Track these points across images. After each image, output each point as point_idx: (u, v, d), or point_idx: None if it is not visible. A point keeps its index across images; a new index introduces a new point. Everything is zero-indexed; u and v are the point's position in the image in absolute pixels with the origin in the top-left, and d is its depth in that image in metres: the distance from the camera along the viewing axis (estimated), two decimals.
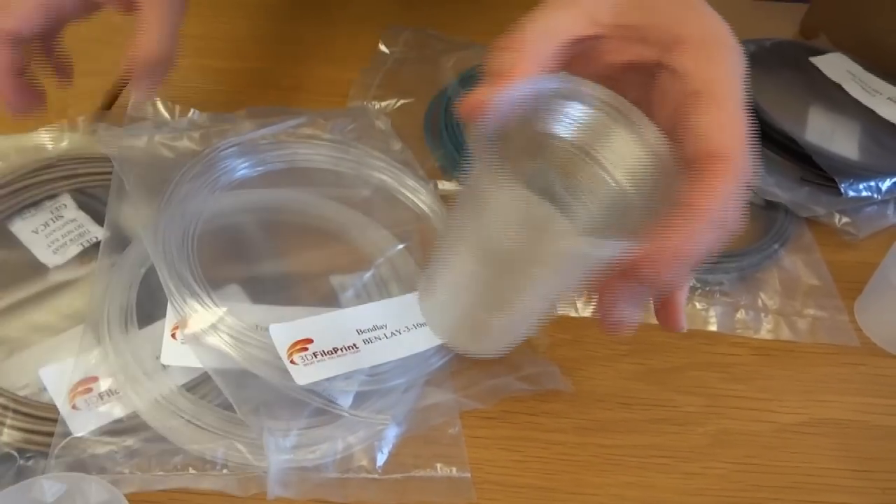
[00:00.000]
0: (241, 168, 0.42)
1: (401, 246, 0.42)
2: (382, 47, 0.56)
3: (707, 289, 0.41)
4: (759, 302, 0.41)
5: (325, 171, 0.44)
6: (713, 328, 0.40)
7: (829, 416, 0.37)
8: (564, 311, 0.40)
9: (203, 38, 0.57)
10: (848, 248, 0.45)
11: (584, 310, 0.40)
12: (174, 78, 0.52)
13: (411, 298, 0.38)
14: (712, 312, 0.40)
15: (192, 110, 0.46)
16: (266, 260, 0.40)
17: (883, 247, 0.41)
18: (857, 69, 0.54)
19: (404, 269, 0.41)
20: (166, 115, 0.47)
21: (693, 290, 0.41)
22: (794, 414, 0.37)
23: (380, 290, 0.40)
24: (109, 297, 0.35)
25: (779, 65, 0.54)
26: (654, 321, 0.40)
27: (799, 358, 0.40)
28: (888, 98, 0.52)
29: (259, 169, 0.43)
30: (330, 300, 0.39)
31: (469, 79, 0.53)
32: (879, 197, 0.45)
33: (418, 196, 0.44)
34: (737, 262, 0.42)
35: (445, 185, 0.47)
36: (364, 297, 0.39)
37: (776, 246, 0.43)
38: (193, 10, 0.61)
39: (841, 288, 0.43)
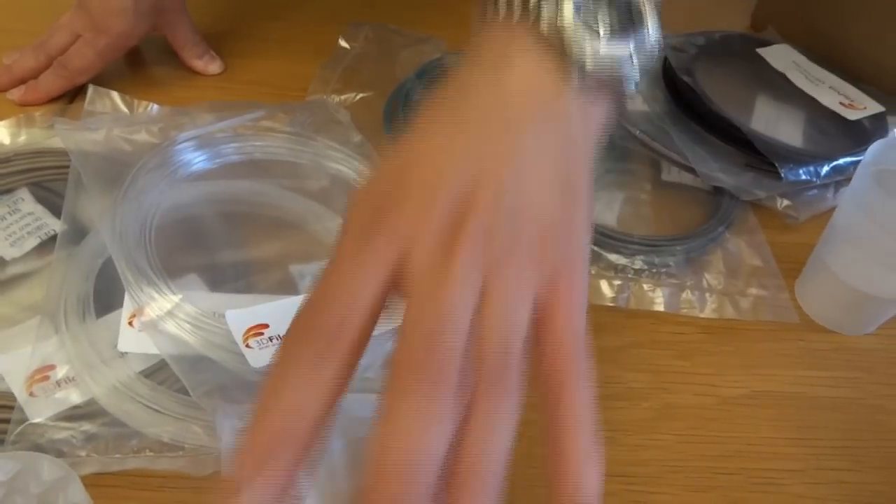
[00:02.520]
0: (199, 160, 0.43)
1: None
2: (343, 42, 0.57)
3: (654, 271, 0.43)
4: (704, 282, 0.43)
5: (283, 162, 0.45)
6: (660, 308, 0.42)
7: (768, 389, 0.39)
8: None
9: None
10: (790, 230, 0.47)
11: None
12: (133, 73, 0.53)
13: None
14: (659, 293, 0.42)
15: (150, 105, 0.47)
16: (224, 250, 0.40)
17: (822, 228, 0.42)
18: (802, 59, 0.56)
19: None
20: (125, 109, 0.47)
21: (640, 272, 0.43)
22: (735, 388, 0.39)
23: None
24: (66, 288, 0.36)
25: (727, 56, 0.56)
26: (604, 303, 0.42)
27: (741, 335, 0.41)
28: (830, 87, 0.54)
29: (217, 161, 0.43)
30: (289, 289, 0.40)
31: (427, 72, 0.54)
32: (818, 181, 0.47)
33: None
34: (683, 245, 0.43)
35: None
36: None
37: (721, 228, 0.45)
38: None
39: (783, 268, 0.45)
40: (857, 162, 0.47)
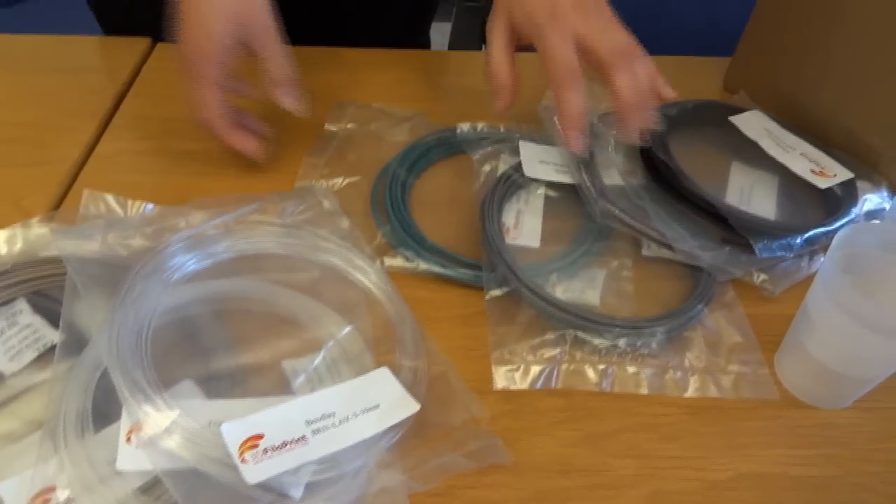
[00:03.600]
0: (192, 262, 0.44)
1: (349, 328, 0.44)
2: (329, 126, 0.58)
3: (636, 353, 0.44)
4: (686, 362, 0.44)
5: (273, 256, 0.46)
6: (644, 391, 0.43)
7: (752, 471, 0.40)
8: (505, 384, 0.42)
9: (156, 118, 0.59)
10: (768, 302, 0.48)
11: (523, 382, 0.42)
12: (124, 165, 0.55)
13: (359, 382, 0.40)
14: (643, 375, 0.43)
15: (143, 205, 0.48)
16: (218, 352, 0.42)
17: (799, 298, 0.44)
18: (774, 126, 0.58)
19: (353, 350, 0.43)
20: (119, 210, 0.48)
21: (623, 354, 0.44)
22: (720, 470, 0.40)
23: (331, 372, 0.42)
24: (66, 403, 0.37)
25: (701, 126, 0.58)
26: (589, 388, 0.43)
27: (725, 414, 0.42)
28: (801, 153, 0.56)
29: (209, 260, 0.45)
30: (282, 387, 0.41)
31: (410, 153, 0.56)
32: (792, 255, 0.48)
33: (366, 276, 0.46)
34: (664, 325, 0.45)
35: (392, 262, 0.49)
36: (315, 381, 0.41)
37: (700, 306, 0.46)
38: (146, 92, 0.63)
39: (762, 340, 0.46)
40: (829, 232, 0.49)
